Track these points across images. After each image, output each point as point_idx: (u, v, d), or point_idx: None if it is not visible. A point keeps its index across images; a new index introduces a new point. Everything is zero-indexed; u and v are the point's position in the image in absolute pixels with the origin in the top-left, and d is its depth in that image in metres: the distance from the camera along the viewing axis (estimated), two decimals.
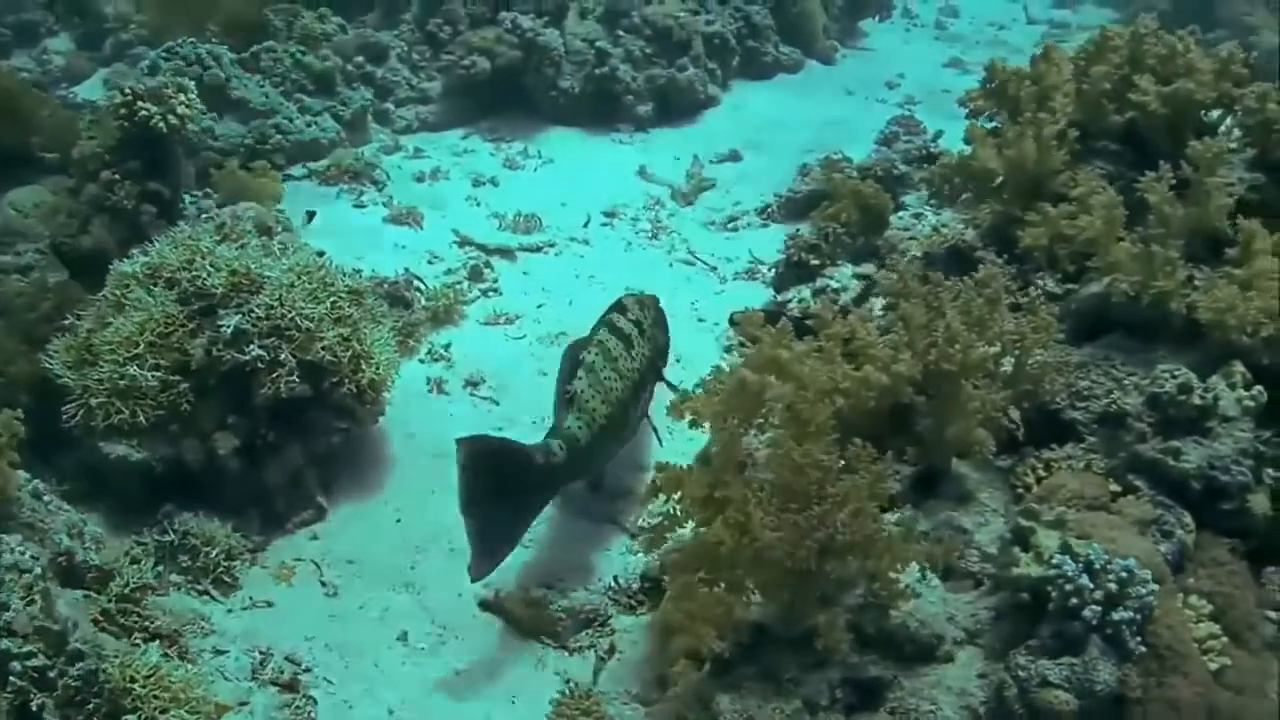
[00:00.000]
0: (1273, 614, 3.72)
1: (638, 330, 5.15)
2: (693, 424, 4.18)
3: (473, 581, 4.41)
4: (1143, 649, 3.26)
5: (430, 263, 7.18)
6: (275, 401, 4.89)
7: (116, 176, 6.06)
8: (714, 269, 7.41)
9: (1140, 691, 3.25)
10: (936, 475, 4.20)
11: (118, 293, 5.01)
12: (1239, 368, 4.05)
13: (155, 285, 4.99)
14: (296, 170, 8.05)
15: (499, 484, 4.30)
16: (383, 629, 4.65)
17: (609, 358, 4.87)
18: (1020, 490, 4.10)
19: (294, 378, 4.89)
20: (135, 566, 4.35)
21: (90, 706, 3.57)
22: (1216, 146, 4.44)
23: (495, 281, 7.07)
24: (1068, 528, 3.54)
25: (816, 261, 6.00)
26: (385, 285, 6.42)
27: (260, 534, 5.01)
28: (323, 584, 4.86)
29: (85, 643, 3.65)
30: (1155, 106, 4.91)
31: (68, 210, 6.05)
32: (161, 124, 6.06)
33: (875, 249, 5.97)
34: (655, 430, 5.33)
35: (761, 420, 4.11)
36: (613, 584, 4.80)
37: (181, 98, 6.13)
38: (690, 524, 3.84)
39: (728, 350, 6.37)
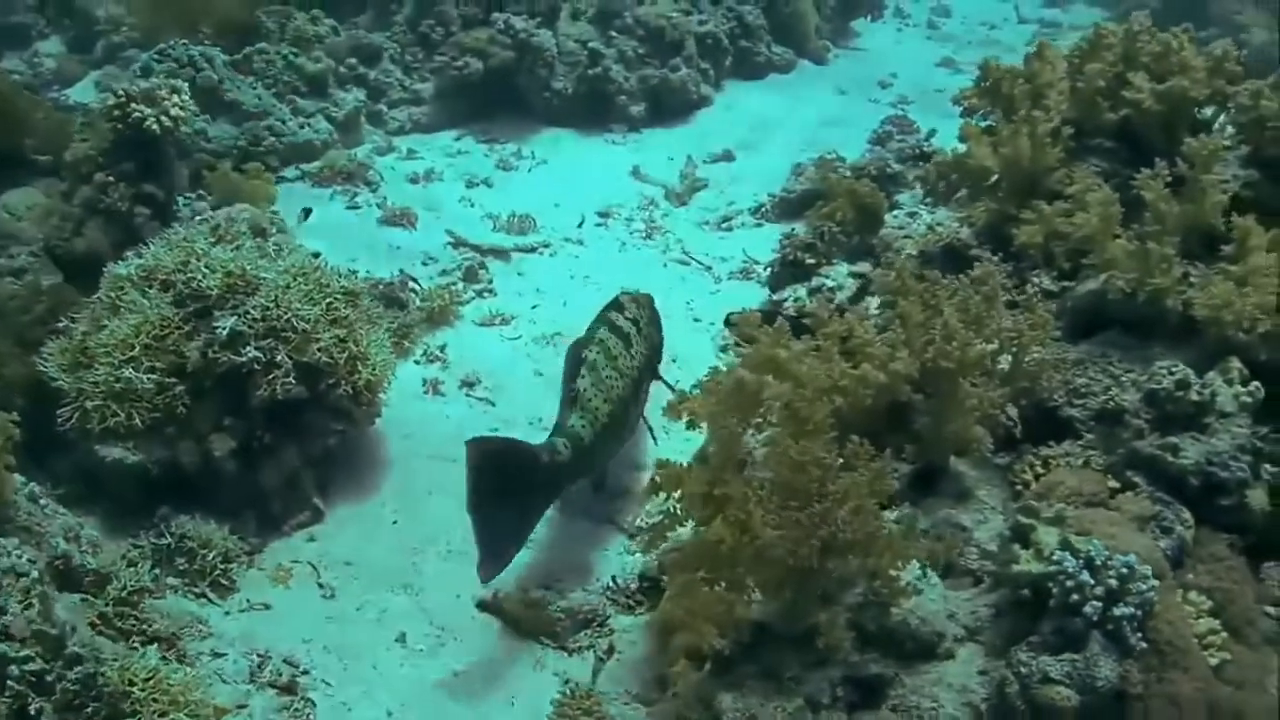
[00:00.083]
0: (1271, 609, 3.73)
1: (635, 328, 5.15)
2: (690, 425, 4.18)
3: (482, 583, 4.42)
4: (1143, 645, 3.27)
5: (425, 264, 7.17)
6: (271, 403, 4.88)
7: (110, 179, 6.03)
8: (709, 269, 7.41)
9: (1141, 687, 3.26)
10: (935, 473, 4.21)
11: (112, 295, 4.98)
12: (1236, 364, 4.07)
13: (150, 287, 4.97)
14: (290, 172, 8.04)
15: (505, 484, 4.30)
16: (381, 631, 4.64)
17: (610, 356, 4.87)
18: (1019, 487, 4.11)
19: (290, 379, 4.87)
20: (132, 570, 4.34)
21: (89, 710, 3.54)
22: (1212, 143, 4.46)
23: (490, 282, 7.07)
24: (1067, 524, 3.55)
25: (812, 260, 6.01)
26: (380, 286, 6.41)
27: (257, 536, 4.99)
28: (320, 586, 4.84)
29: (83, 646, 3.62)
30: (1150, 104, 4.92)
31: (61, 213, 6.02)
32: (155, 126, 6.04)
33: (870, 248, 5.98)
34: (650, 429, 5.33)
35: (759, 420, 4.12)
36: (611, 584, 4.79)
37: (175, 99, 6.11)
38: (689, 523, 3.84)
39: (723, 350, 6.37)
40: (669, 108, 9.65)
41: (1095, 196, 4.55)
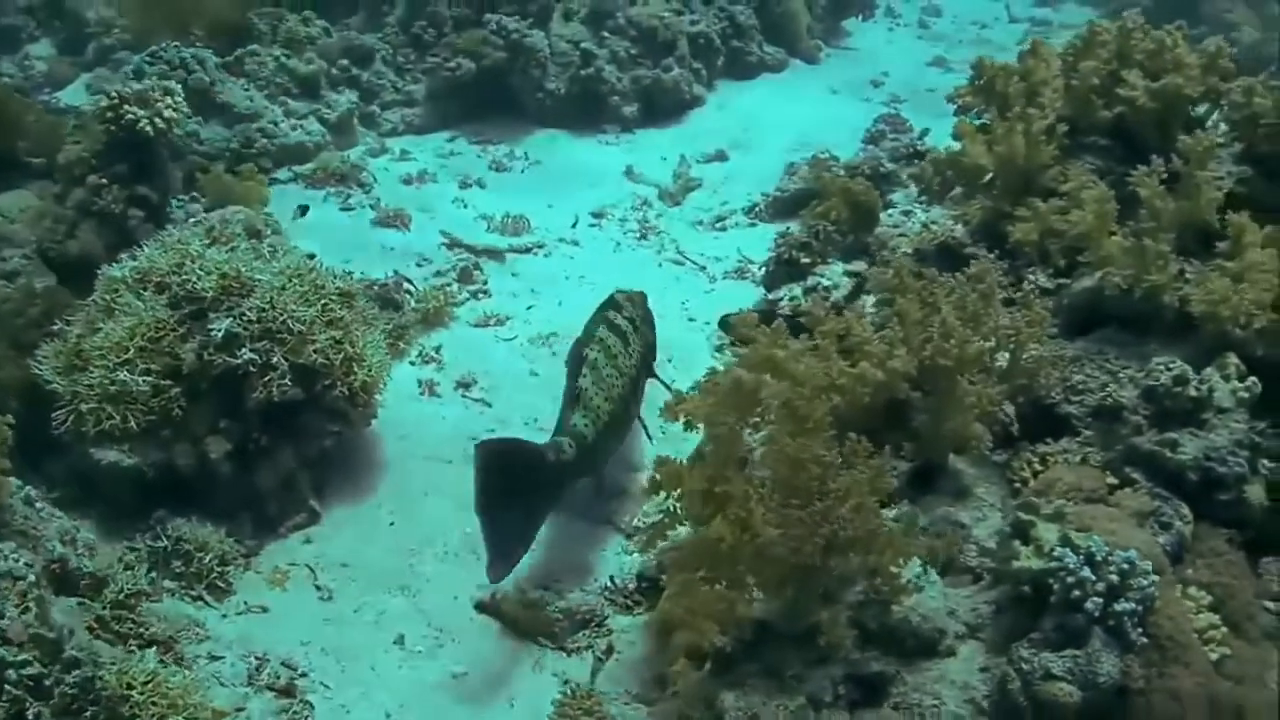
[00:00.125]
0: (1270, 604, 3.75)
1: (632, 327, 5.16)
2: (687, 426, 4.18)
3: (492, 584, 4.42)
4: (1144, 640, 3.28)
5: (419, 265, 7.15)
6: (267, 405, 4.85)
7: (103, 181, 6.01)
8: (703, 268, 7.41)
9: (1143, 682, 3.27)
10: (933, 471, 4.22)
11: (107, 297, 4.96)
12: (1233, 359, 4.08)
13: (145, 290, 4.94)
14: (282, 174, 7.99)
15: (512, 484, 4.30)
16: (379, 632, 4.62)
17: (610, 355, 4.88)
18: (1017, 485, 4.12)
19: (286, 381, 4.85)
20: (129, 573, 4.32)
21: (88, 714, 3.53)
22: (1207, 140, 4.47)
23: (485, 283, 7.05)
24: (1067, 520, 3.56)
25: (807, 260, 6.01)
26: (375, 288, 6.39)
27: (253, 538, 4.96)
28: (317, 588, 4.82)
29: (81, 650, 3.61)
30: (1144, 101, 4.94)
31: (54, 215, 5.98)
32: (148, 127, 6.02)
33: (866, 246, 5.99)
34: (646, 428, 5.33)
35: (757, 419, 4.11)
36: (609, 584, 4.79)
37: (168, 101, 6.09)
38: (689, 523, 3.84)
39: (718, 350, 6.36)
40: (662, 108, 9.65)
41: (1090, 194, 4.56)
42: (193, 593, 4.66)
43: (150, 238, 5.42)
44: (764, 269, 6.56)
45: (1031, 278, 4.75)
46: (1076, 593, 3.28)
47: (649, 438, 5.34)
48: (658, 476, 3.79)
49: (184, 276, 4.91)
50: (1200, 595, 3.61)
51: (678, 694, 3.73)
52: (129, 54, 8.64)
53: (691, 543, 3.72)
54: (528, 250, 7.50)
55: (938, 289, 4.19)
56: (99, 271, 5.18)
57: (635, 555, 4.84)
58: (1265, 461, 3.96)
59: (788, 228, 6.59)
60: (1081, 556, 3.33)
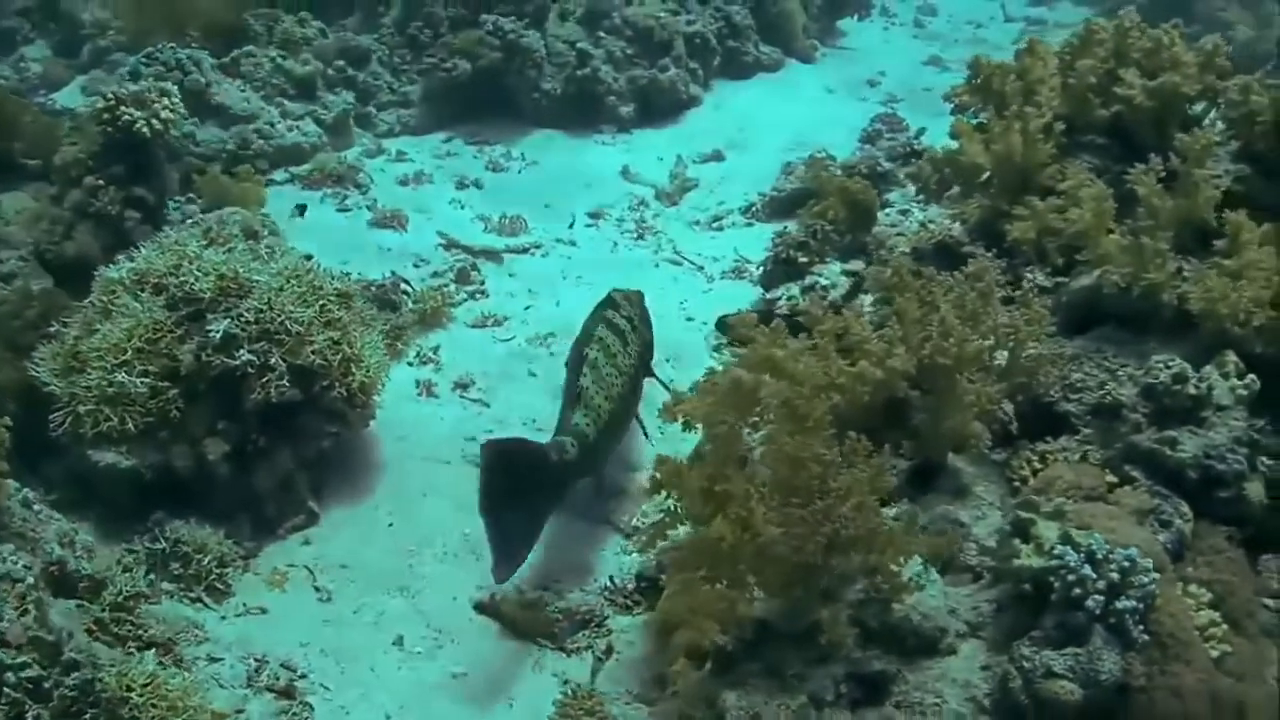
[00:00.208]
0: (1270, 601, 3.75)
1: (630, 326, 5.17)
2: (686, 426, 4.17)
3: (497, 584, 4.41)
4: (1145, 638, 3.28)
5: (416, 265, 7.15)
6: (265, 406, 4.84)
7: (100, 182, 6.00)
8: (700, 268, 7.40)
9: (1144, 680, 3.27)
10: (933, 469, 4.22)
11: (104, 299, 4.95)
12: (1231, 357, 4.09)
13: (142, 291, 4.94)
14: (279, 175, 7.99)
15: (516, 484, 4.29)
16: (378, 633, 4.61)
17: (609, 354, 4.88)
18: (1016, 483, 4.12)
19: (284, 382, 4.84)
20: (127, 575, 4.32)
21: (87, 717, 3.53)
22: (1204, 138, 4.48)
23: (482, 283, 7.04)
24: (1067, 518, 3.56)
25: (805, 259, 6.01)
26: (372, 288, 6.39)
27: (252, 540, 4.95)
28: (316, 589, 4.81)
29: (80, 652, 3.61)
30: (1141, 100, 4.94)
31: (51, 217, 5.97)
32: (145, 129, 6.01)
33: (863, 246, 5.99)
34: (644, 428, 5.33)
35: (757, 419, 4.11)
36: (609, 584, 4.78)
37: (165, 102, 6.08)
38: (689, 522, 3.84)
39: (716, 350, 6.36)
40: (658, 108, 9.64)
41: (1088, 192, 4.57)
42: (191, 594, 4.65)
43: (147, 239, 5.42)
44: (761, 268, 6.56)
45: (1030, 276, 4.75)
46: (1077, 590, 3.28)
47: (647, 437, 5.34)
48: (658, 476, 3.78)
49: (181, 278, 4.90)
50: (1200, 593, 3.61)
51: (678, 694, 3.72)
52: (124, 55, 8.62)
53: (692, 542, 3.72)
54: (525, 251, 7.50)
55: (936, 288, 4.19)
56: (96, 273, 5.17)
57: (635, 555, 4.83)
58: (1264, 459, 3.96)
59: (785, 227, 6.58)
60: (1082, 554, 3.33)
